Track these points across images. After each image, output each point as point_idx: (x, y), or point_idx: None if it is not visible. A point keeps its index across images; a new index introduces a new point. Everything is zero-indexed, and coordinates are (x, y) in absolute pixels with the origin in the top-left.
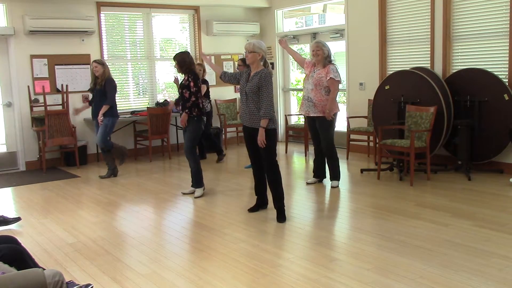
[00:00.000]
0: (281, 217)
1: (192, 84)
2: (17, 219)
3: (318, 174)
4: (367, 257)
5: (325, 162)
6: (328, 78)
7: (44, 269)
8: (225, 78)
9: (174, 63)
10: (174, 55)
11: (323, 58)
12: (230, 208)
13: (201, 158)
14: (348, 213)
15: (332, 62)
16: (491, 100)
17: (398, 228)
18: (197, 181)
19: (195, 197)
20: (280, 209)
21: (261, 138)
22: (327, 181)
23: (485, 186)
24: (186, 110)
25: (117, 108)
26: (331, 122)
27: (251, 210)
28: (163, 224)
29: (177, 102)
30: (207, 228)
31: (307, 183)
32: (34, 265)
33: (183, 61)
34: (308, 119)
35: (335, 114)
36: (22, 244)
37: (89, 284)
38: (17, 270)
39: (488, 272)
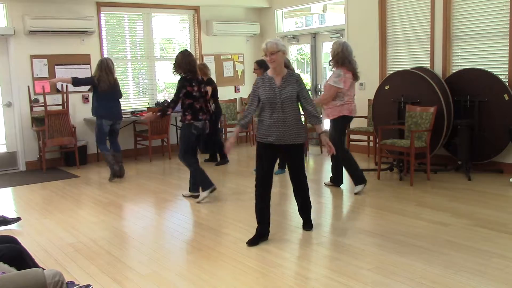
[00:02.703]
0: (310, 225)
1: (196, 88)
2: (17, 219)
3: (333, 179)
4: (367, 257)
5: (337, 167)
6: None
7: (44, 269)
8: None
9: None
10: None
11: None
12: (230, 208)
13: (220, 162)
14: (348, 213)
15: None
16: (491, 100)
17: (398, 228)
18: (193, 184)
19: (197, 202)
20: (309, 218)
21: (329, 143)
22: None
23: (485, 186)
24: (168, 112)
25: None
26: (334, 126)
27: (252, 243)
28: (163, 224)
29: (162, 111)
30: (207, 228)
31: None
32: (34, 265)
33: (175, 61)
34: None
35: (336, 118)
36: (22, 244)
37: (89, 285)
38: (17, 270)
39: (488, 272)
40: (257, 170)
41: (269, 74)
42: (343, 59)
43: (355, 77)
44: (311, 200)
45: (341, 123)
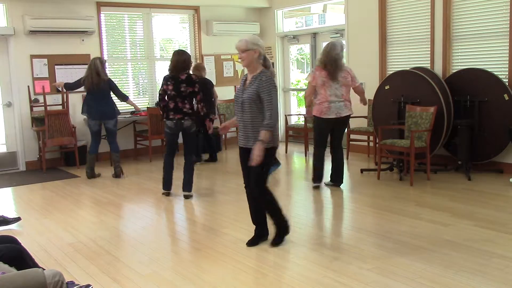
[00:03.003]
0: (277, 240)
1: (171, 86)
2: (17, 219)
3: (334, 179)
4: (367, 257)
5: (338, 167)
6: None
7: (44, 269)
8: None
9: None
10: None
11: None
12: (230, 208)
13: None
14: (348, 213)
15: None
16: (491, 100)
17: (398, 228)
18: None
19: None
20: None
21: (257, 153)
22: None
23: (485, 186)
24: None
25: (89, 107)
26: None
27: (251, 243)
28: (163, 224)
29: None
30: (207, 228)
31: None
32: (34, 265)
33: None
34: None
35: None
36: (22, 244)
37: (89, 285)
38: (17, 270)
39: (488, 272)
40: (265, 182)
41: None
42: (324, 61)
43: (331, 77)
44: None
45: (316, 122)
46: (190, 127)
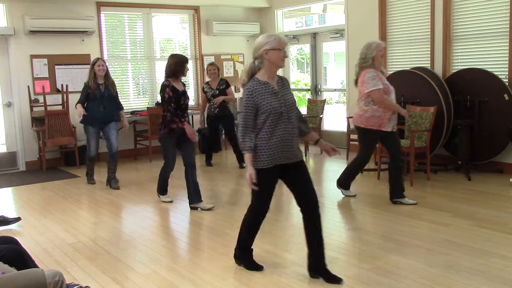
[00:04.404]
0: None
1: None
2: (17, 219)
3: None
4: (367, 257)
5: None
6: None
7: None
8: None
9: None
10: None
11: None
12: (230, 208)
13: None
14: (348, 213)
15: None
16: (491, 100)
17: (398, 228)
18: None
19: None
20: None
21: (331, 145)
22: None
23: (485, 186)
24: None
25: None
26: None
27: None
28: (163, 224)
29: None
30: (207, 228)
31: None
32: (34, 266)
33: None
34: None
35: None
36: (22, 245)
37: (88, 287)
38: (17, 271)
39: (488, 272)
40: (259, 203)
41: (260, 78)
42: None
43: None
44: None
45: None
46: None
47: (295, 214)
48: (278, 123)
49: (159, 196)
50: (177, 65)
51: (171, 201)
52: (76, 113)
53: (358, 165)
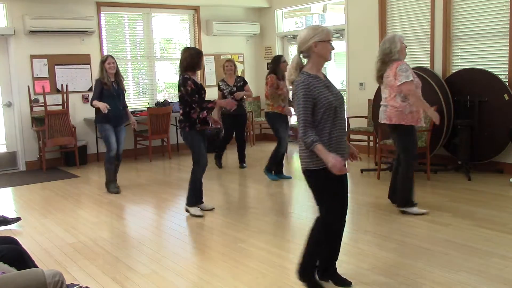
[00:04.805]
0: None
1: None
2: (17, 219)
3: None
4: (367, 257)
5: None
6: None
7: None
8: None
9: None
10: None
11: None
12: (230, 208)
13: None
14: (348, 213)
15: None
16: (491, 100)
17: (398, 228)
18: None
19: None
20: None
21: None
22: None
23: (485, 186)
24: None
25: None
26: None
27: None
28: (163, 224)
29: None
30: (207, 228)
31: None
32: (34, 266)
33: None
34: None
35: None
36: (22, 246)
37: (88, 287)
38: (17, 271)
39: (488, 272)
40: (328, 210)
41: (309, 71)
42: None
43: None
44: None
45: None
46: (182, 136)
47: (295, 215)
48: (334, 119)
49: (187, 210)
50: (193, 57)
51: (201, 216)
52: (100, 107)
53: (409, 173)
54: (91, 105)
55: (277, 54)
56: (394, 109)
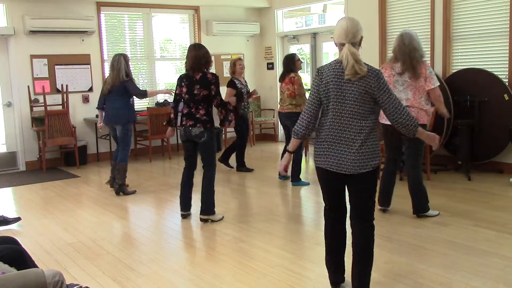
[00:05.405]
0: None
1: (184, 89)
2: (17, 219)
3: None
4: None
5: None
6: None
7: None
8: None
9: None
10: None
11: None
12: (230, 208)
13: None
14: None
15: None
16: (491, 100)
17: (398, 228)
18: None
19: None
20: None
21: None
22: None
23: (485, 186)
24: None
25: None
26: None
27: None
28: (163, 224)
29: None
30: (207, 228)
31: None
32: (34, 266)
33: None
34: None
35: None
36: (22, 246)
37: (88, 287)
38: (17, 271)
39: (488, 272)
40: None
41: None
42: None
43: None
44: None
45: None
46: (199, 136)
47: (296, 215)
48: None
49: (205, 221)
50: (209, 54)
51: (222, 218)
52: (164, 93)
53: (421, 178)
54: (147, 94)
55: (290, 53)
56: (424, 112)
